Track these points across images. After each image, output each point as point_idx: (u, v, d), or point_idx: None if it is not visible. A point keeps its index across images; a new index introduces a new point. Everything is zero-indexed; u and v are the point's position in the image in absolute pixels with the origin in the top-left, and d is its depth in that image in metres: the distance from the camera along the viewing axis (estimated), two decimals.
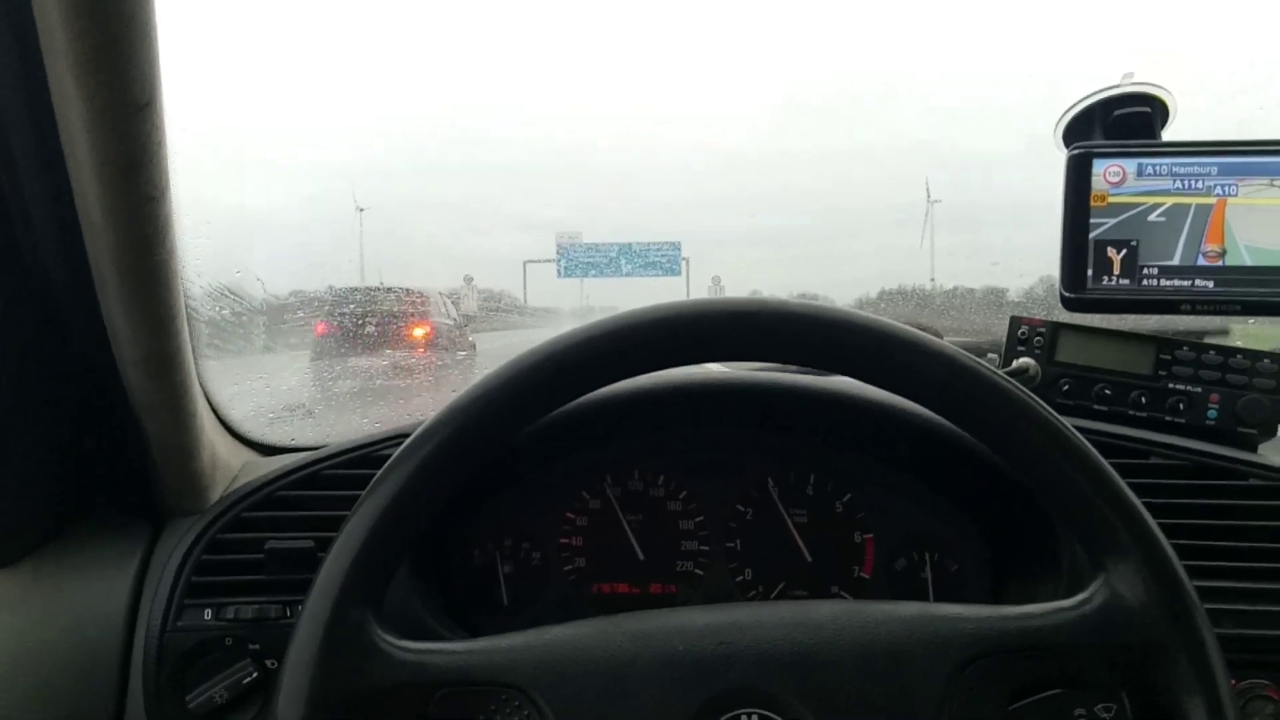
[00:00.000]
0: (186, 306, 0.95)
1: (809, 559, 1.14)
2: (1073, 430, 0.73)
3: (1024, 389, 0.73)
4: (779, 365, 1.04)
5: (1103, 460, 0.72)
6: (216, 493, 1.09)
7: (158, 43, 0.70)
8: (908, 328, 0.75)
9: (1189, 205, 1.00)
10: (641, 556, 1.15)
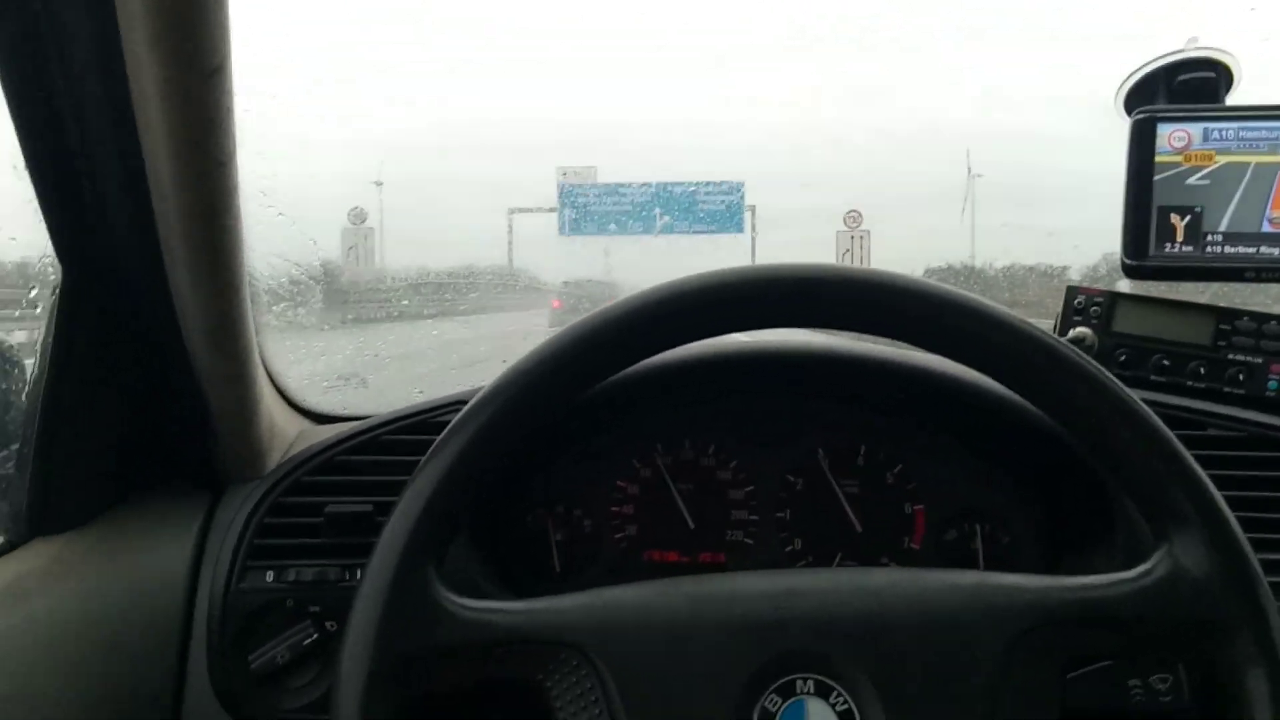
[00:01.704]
0: (250, 276, 0.97)
1: (859, 529, 1.13)
2: (1138, 401, 0.72)
3: (1089, 359, 0.73)
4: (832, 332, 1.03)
5: (1169, 431, 0.71)
6: (274, 459, 1.11)
7: (229, 7, 0.71)
8: (970, 294, 0.74)
9: (1259, 169, 0.99)
10: (692, 525, 1.15)
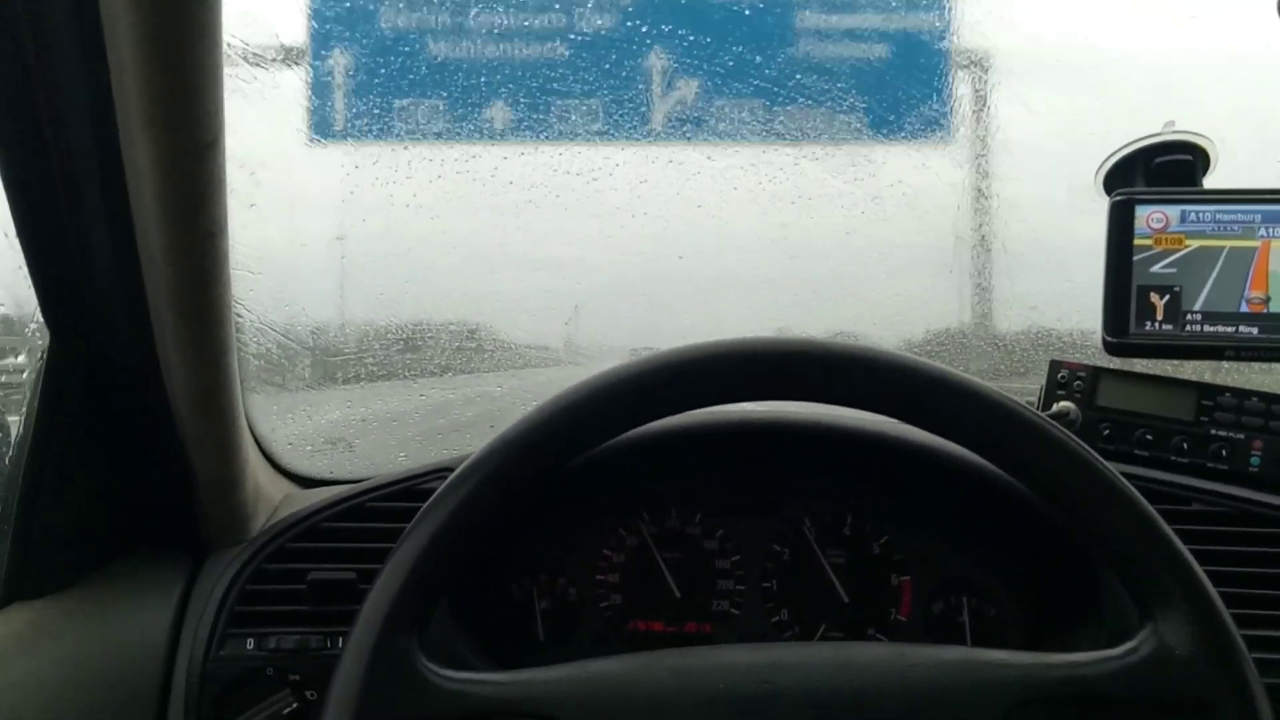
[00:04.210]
0: (236, 341, 0.97)
1: (845, 600, 1.13)
2: (1122, 479, 0.73)
3: (1073, 435, 0.74)
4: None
5: (1152, 509, 0.72)
6: (258, 524, 1.11)
7: (223, 84, 0.72)
8: (955, 371, 0.75)
9: (1233, 253, 1.01)
10: (678, 594, 1.14)
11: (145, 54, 0.66)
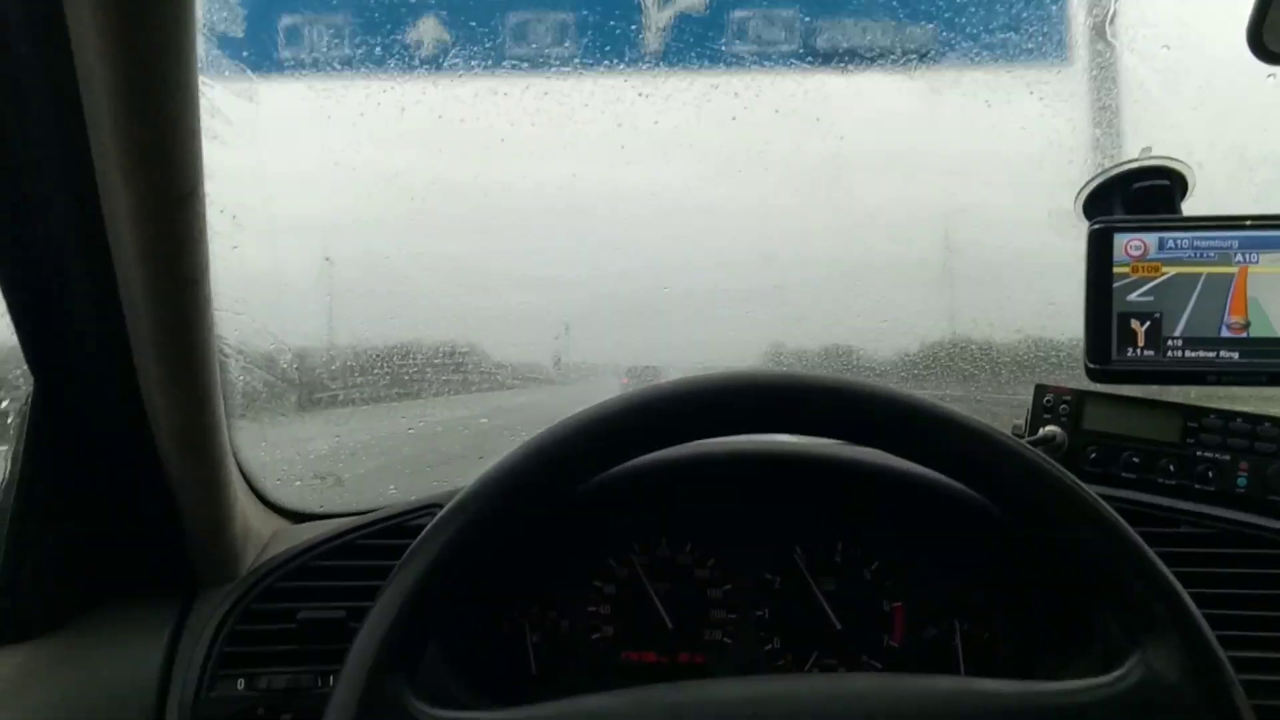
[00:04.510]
0: (221, 379, 0.97)
1: (838, 628, 1.13)
2: (1107, 506, 0.73)
3: (1056, 464, 0.74)
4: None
5: (1137, 537, 0.72)
6: (247, 562, 1.11)
7: (200, 137, 0.72)
8: (937, 402, 0.75)
9: (1210, 279, 1.02)
10: (670, 625, 1.14)
11: (121, 107, 0.67)
